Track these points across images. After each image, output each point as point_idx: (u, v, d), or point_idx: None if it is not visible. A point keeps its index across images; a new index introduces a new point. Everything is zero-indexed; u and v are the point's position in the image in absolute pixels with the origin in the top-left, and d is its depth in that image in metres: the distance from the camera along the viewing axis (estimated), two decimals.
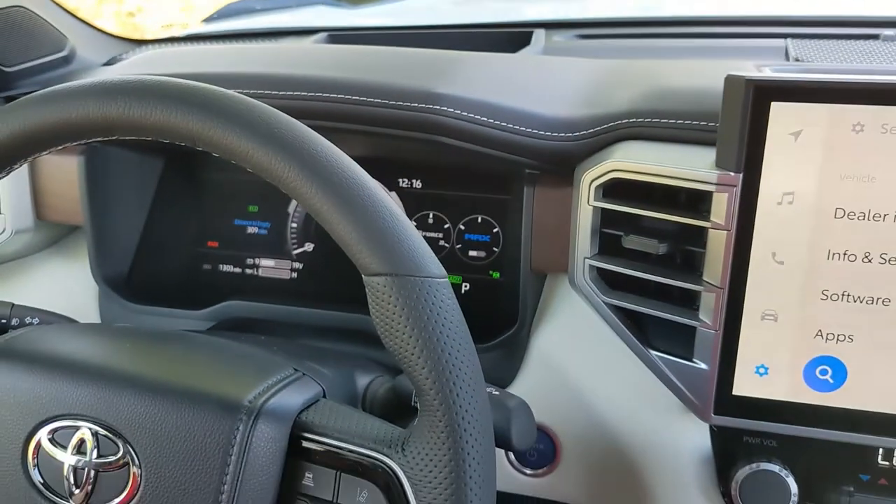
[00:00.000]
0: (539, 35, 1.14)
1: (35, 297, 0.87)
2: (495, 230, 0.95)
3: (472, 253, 0.95)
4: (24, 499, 0.57)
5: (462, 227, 0.95)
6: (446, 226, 0.96)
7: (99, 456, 0.56)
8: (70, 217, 0.96)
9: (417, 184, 0.96)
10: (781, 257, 0.66)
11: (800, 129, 0.64)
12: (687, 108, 0.73)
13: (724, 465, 0.74)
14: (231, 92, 0.54)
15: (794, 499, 0.70)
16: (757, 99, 0.64)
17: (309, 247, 1.01)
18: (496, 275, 0.95)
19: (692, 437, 0.76)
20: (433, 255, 0.52)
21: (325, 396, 0.61)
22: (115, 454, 0.55)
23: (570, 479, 0.83)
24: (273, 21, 1.53)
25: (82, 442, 0.56)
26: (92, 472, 0.56)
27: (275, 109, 0.53)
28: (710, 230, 0.68)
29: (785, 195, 0.65)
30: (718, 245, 0.67)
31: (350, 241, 0.50)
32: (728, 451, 0.74)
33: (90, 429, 0.56)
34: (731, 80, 0.65)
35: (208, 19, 1.59)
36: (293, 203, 1.01)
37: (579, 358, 0.82)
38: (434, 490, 0.51)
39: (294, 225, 1.01)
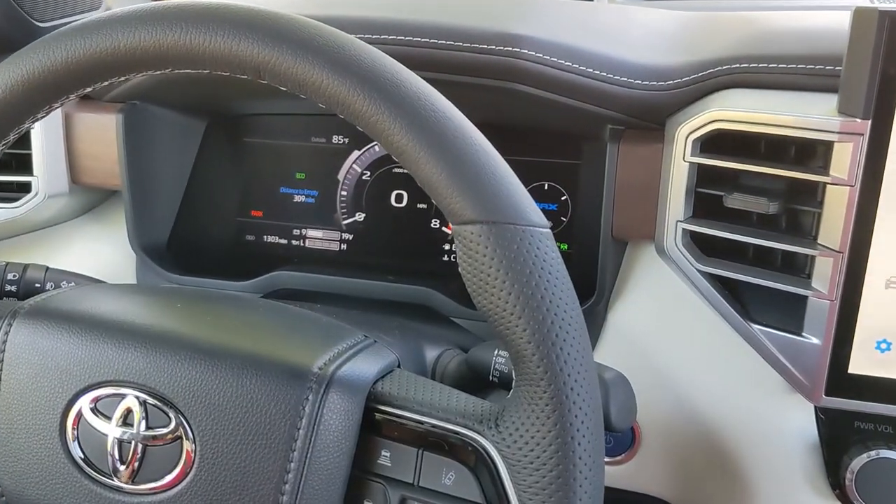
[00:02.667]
0: None
1: (69, 267, 0.81)
2: (563, 198, 0.87)
3: None
4: (62, 475, 0.51)
5: None
6: None
7: (147, 428, 0.49)
8: (107, 180, 0.89)
9: None
10: None
11: None
12: (799, 50, 0.65)
13: (834, 454, 0.66)
14: (299, 16, 0.46)
15: None
16: (892, 33, 0.56)
17: (360, 217, 0.94)
18: (564, 246, 0.88)
19: (795, 420, 0.68)
20: (533, 202, 0.45)
21: (399, 366, 0.54)
22: (165, 426, 0.49)
23: (651, 469, 0.76)
24: None
25: (129, 412, 0.49)
26: (139, 447, 0.49)
27: (350, 35, 0.46)
28: (828, 186, 0.60)
29: None
30: (839, 203, 0.60)
31: (438, 183, 0.43)
32: (838, 438, 0.66)
33: (138, 397, 0.49)
34: (861, 12, 0.57)
35: None
36: (343, 169, 0.94)
37: (663, 334, 0.75)
38: (536, 472, 0.43)
39: (344, 193, 0.94)
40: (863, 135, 0.58)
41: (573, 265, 0.86)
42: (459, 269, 0.44)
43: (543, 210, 0.87)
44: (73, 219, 0.96)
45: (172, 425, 0.48)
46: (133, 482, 0.49)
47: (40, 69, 0.49)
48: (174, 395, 0.49)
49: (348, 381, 0.48)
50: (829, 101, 0.61)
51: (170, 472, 0.49)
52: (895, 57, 0.56)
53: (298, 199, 0.96)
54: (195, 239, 0.96)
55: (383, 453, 0.49)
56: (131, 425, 0.49)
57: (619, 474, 0.77)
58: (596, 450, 0.44)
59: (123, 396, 0.50)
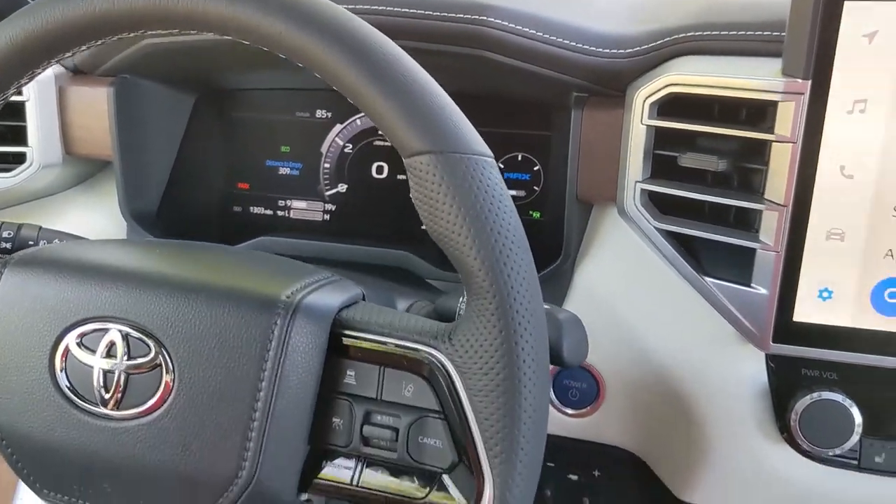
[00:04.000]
0: None
1: None
2: (536, 168, 0.91)
3: (512, 192, 0.91)
4: (52, 407, 0.54)
5: (501, 166, 0.92)
6: None
7: (129, 358, 0.53)
8: (99, 150, 0.93)
9: None
10: (851, 171, 0.63)
11: (875, 29, 0.60)
12: (749, 18, 0.69)
13: (782, 398, 0.70)
14: None
15: (858, 429, 0.66)
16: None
17: (342, 188, 0.98)
18: (537, 215, 0.92)
19: (747, 369, 0.72)
20: (476, 133, 0.49)
21: (364, 300, 0.58)
22: (146, 356, 0.52)
23: (615, 420, 0.79)
24: None
25: (112, 345, 0.53)
26: (123, 376, 0.53)
27: None
28: (773, 144, 0.64)
29: (856, 103, 0.61)
30: (783, 160, 0.64)
31: (389, 118, 0.47)
32: (786, 384, 0.70)
33: (120, 331, 0.53)
34: None
35: None
36: (326, 142, 0.97)
37: (625, 291, 0.78)
38: (485, 377, 0.47)
39: (327, 165, 0.98)
40: (803, 94, 0.62)
41: (545, 231, 0.91)
42: (412, 198, 0.48)
43: (517, 180, 0.92)
44: (67, 189, 0.99)
45: (152, 354, 0.52)
46: (118, 409, 0.53)
47: (22, 36, 0.52)
48: (153, 326, 0.52)
49: (314, 308, 0.52)
50: (775, 65, 0.64)
51: (151, 397, 0.52)
52: (831, 21, 0.60)
53: (283, 171, 1.00)
54: (184, 209, 0.99)
55: (348, 373, 0.53)
56: (115, 357, 0.53)
57: (584, 426, 0.81)
58: (539, 354, 0.48)
59: (107, 331, 0.53)
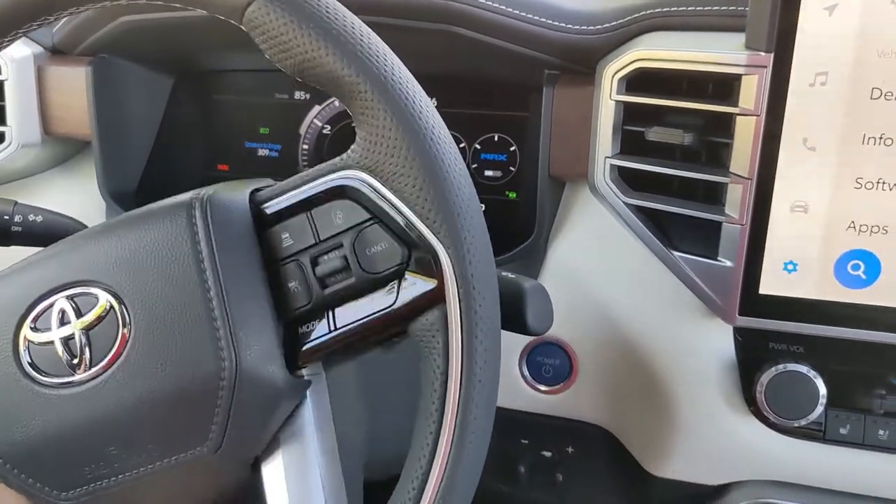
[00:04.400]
0: None
1: None
2: (512, 149, 0.92)
3: (489, 173, 0.92)
4: (33, 401, 0.53)
5: (478, 147, 0.92)
6: (462, 145, 0.93)
7: (82, 316, 0.53)
8: (77, 130, 0.93)
9: (433, 101, 0.93)
10: (813, 143, 0.63)
11: (835, 2, 0.60)
12: None
13: (749, 370, 0.71)
14: None
15: (823, 401, 0.67)
16: None
17: None
18: (512, 195, 0.92)
19: (715, 342, 0.72)
20: None
21: None
22: (95, 306, 0.52)
23: (588, 396, 0.80)
24: None
25: (63, 313, 0.53)
26: (82, 336, 0.53)
27: None
28: (737, 117, 0.65)
29: (818, 75, 0.62)
30: (746, 132, 0.64)
31: None
32: (753, 357, 0.71)
33: (65, 296, 0.53)
34: None
35: None
36: (305, 124, 0.98)
37: (597, 268, 0.79)
38: (392, 159, 0.48)
39: (306, 147, 0.99)
40: (766, 67, 0.62)
41: (520, 211, 0.91)
42: (267, 55, 0.49)
43: (494, 161, 0.92)
44: (46, 170, 0.99)
45: (101, 301, 0.52)
46: (91, 366, 0.52)
47: None
48: (89, 274, 0.52)
49: (226, 196, 0.53)
50: (739, 39, 0.65)
51: (115, 341, 0.52)
52: None
53: (262, 152, 1.01)
54: (163, 190, 0.98)
55: (283, 236, 0.53)
56: (69, 322, 0.53)
57: (558, 403, 0.81)
58: (427, 114, 0.49)
59: (53, 304, 0.53)
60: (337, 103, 0.97)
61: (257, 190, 0.55)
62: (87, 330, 0.52)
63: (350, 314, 0.52)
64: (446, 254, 0.48)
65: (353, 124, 0.50)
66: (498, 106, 0.91)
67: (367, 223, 0.51)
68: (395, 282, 0.51)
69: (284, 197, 0.53)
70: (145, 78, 0.97)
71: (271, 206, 0.53)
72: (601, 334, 0.78)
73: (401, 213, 0.49)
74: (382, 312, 0.52)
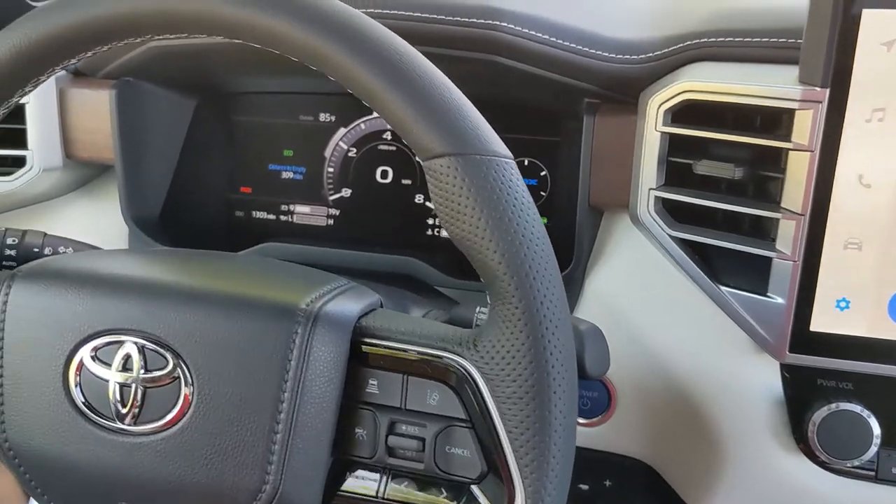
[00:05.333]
0: None
1: None
2: (543, 174, 0.91)
3: None
4: (65, 421, 0.53)
5: None
6: None
7: (146, 371, 0.52)
8: (100, 154, 0.92)
9: None
10: (869, 180, 0.62)
11: (893, 38, 0.59)
12: (765, 25, 0.69)
13: (798, 409, 0.69)
14: None
15: (877, 441, 0.66)
16: (847, 5, 0.59)
17: (346, 192, 0.97)
18: (544, 220, 0.91)
19: (761, 378, 0.71)
20: (496, 134, 0.48)
21: (381, 306, 0.57)
22: (163, 368, 0.51)
23: (627, 429, 0.79)
24: None
25: (128, 357, 0.52)
26: (139, 389, 0.52)
27: None
28: (790, 152, 0.64)
29: (875, 111, 0.61)
30: (800, 168, 0.63)
31: (407, 121, 0.46)
32: (801, 394, 0.70)
33: (135, 343, 0.52)
34: None
35: None
36: (330, 146, 0.97)
37: (637, 299, 0.78)
38: (513, 383, 0.47)
39: (331, 170, 0.97)
40: (821, 102, 0.61)
41: (552, 237, 0.90)
42: (432, 202, 0.47)
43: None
44: (67, 193, 0.98)
45: (170, 367, 0.51)
46: (136, 423, 0.52)
47: (26, 42, 0.51)
48: (170, 337, 0.51)
49: (334, 317, 0.51)
50: (791, 72, 0.64)
51: (170, 411, 0.51)
52: (849, 29, 0.60)
53: (286, 175, 0.99)
54: (186, 213, 0.99)
55: (371, 382, 0.52)
56: (131, 370, 0.52)
57: (595, 436, 0.80)
58: (568, 359, 0.47)
59: (122, 343, 0.52)
60: (363, 126, 0.95)
61: (366, 313, 0.54)
62: (146, 386, 0.51)
63: (402, 494, 0.53)
64: (524, 500, 0.48)
65: (481, 313, 0.49)
66: (529, 130, 0.91)
67: (460, 424, 0.50)
68: (462, 493, 0.52)
69: (388, 344, 0.52)
70: (169, 100, 0.95)
71: (371, 346, 0.52)
72: (641, 367, 0.77)
73: (499, 440, 0.48)
74: None
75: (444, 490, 0.52)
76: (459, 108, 0.46)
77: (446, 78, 0.48)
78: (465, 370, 0.49)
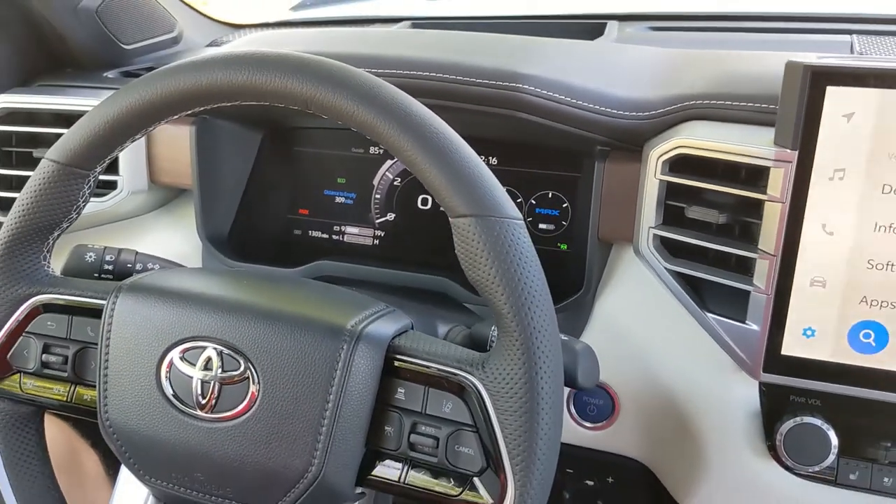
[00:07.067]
0: (612, 26, 1.22)
1: (147, 252, 0.97)
2: (564, 205, 1.02)
3: (542, 226, 1.03)
4: (156, 407, 0.66)
5: (533, 202, 1.03)
6: (518, 200, 1.03)
7: (223, 371, 0.64)
8: (180, 180, 1.06)
9: (493, 160, 1.04)
10: (831, 229, 0.73)
11: (852, 111, 0.70)
12: (750, 91, 0.80)
13: (771, 420, 0.80)
14: (337, 62, 0.62)
15: (835, 450, 0.76)
16: (814, 83, 0.70)
17: (391, 216, 1.10)
18: (564, 246, 1.03)
19: (742, 394, 0.82)
20: (510, 199, 0.60)
21: (413, 328, 0.69)
22: (236, 370, 0.64)
23: (627, 433, 0.90)
24: (358, 10, 1.62)
25: (209, 360, 0.65)
26: (217, 386, 0.64)
27: (374, 76, 0.62)
28: (766, 202, 0.74)
29: (836, 171, 0.71)
30: (773, 216, 0.74)
31: (440, 187, 0.59)
32: (775, 408, 0.80)
33: (215, 349, 0.65)
34: (790, 66, 0.72)
35: (296, 7, 1.69)
36: (378, 176, 1.09)
37: (639, 321, 0.89)
38: (510, 400, 0.59)
39: (378, 196, 1.10)
40: (791, 162, 0.72)
41: (570, 263, 1.02)
42: (456, 252, 0.59)
43: (547, 215, 1.03)
44: (149, 212, 1.12)
45: (241, 369, 0.64)
46: (212, 412, 0.65)
47: (141, 101, 0.65)
48: (243, 346, 0.64)
49: (373, 336, 0.63)
50: (769, 134, 0.74)
51: (239, 403, 0.64)
52: (815, 102, 0.70)
53: (339, 200, 1.12)
54: (252, 232, 1.12)
55: (399, 390, 0.64)
56: (211, 370, 0.64)
57: (600, 438, 0.92)
58: (555, 382, 0.59)
59: (205, 348, 0.65)
60: None
61: (399, 334, 0.66)
62: (222, 383, 0.64)
63: (419, 480, 0.64)
64: (513, 495, 0.59)
65: (495, 331, 0.62)
66: (553, 166, 1.02)
67: (467, 428, 0.62)
68: (466, 482, 0.63)
69: (415, 361, 0.64)
70: (239, 134, 1.09)
71: (401, 361, 0.64)
72: (641, 380, 0.88)
73: (496, 443, 0.60)
74: (443, 496, 0.63)
75: (452, 479, 0.63)
76: (481, 177, 0.59)
77: (472, 151, 0.60)
78: (475, 386, 0.61)
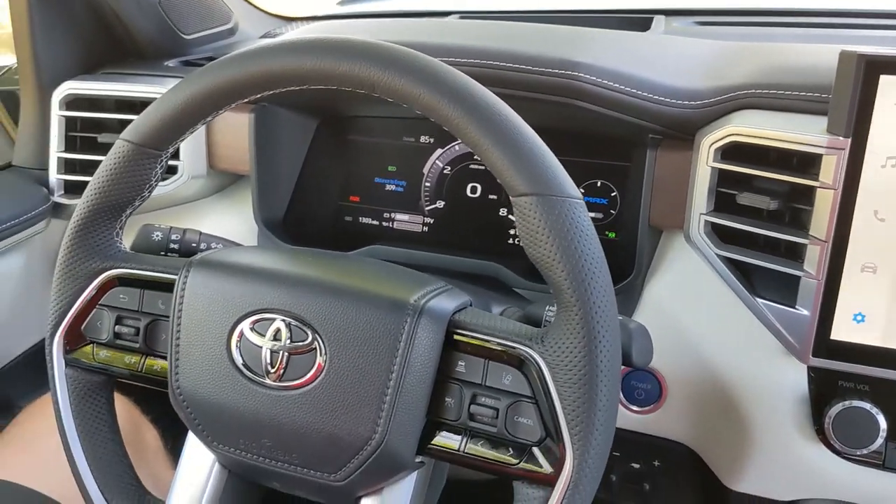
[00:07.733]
0: (659, 21, 1.23)
1: None
2: (613, 194, 1.04)
3: (591, 214, 1.04)
4: (227, 377, 0.69)
5: (583, 190, 1.05)
6: None
7: (291, 342, 0.67)
8: (237, 166, 1.09)
9: None
10: (883, 215, 0.74)
11: None
12: (802, 81, 0.81)
13: (819, 405, 0.81)
14: (401, 47, 0.64)
15: (883, 434, 0.78)
16: (868, 72, 0.72)
17: (440, 204, 1.12)
18: (612, 234, 1.05)
19: (790, 378, 0.83)
20: (571, 180, 0.62)
21: (471, 305, 0.71)
22: (304, 341, 0.66)
23: (674, 417, 0.92)
24: (404, 3, 1.65)
25: (278, 331, 0.67)
26: (285, 356, 0.67)
27: (437, 60, 0.64)
28: (818, 189, 0.76)
29: (889, 158, 0.73)
30: (825, 202, 0.75)
31: (502, 167, 0.60)
32: (823, 393, 0.82)
33: (284, 320, 0.67)
34: (844, 55, 0.73)
35: (343, 2, 1.72)
36: (428, 164, 1.12)
37: (688, 306, 0.91)
38: (569, 372, 0.60)
39: (428, 184, 1.12)
40: (844, 150, 0.74)
41: (619, 249, 1.04)
42: (516, 230, 0.61)
43: (596, 203, 1.05)
44: (208, 196, 1.16)
45: (309, 339, 0.66)
46: (280, 381, 0.67)
47: (213, 85, 0.68)
48: (311, 318, 0.66)
49: (434, 311, 0.65)
50: (821, 122, 0.76)
51: (307, 373, 0.66)
52: (868, 91, 0.72)
53: (389, 187, 1.15)
54: (305, 217, 1.15)
55: (459, 363, 0.66)
56: (279, 340, 0.67)
57: (647, 422, 0.94)
58: (614, 356, 0.61)
59: (274, 320, 0.67)
60: (457, 147, 1.10)
61: (459, 310, 0.68)
62: (290, 353, 0.67)
63: (479, 450, 0.66)
64: (571, 464, 0.61)
65: (550, 311, 0.63)
66: (603, 156, 1.04)
67: (526, 399, 0.64)
68: (525, 452, 0.64)
69: (475, 335, 0.65)
70: (295, 121, 1.12)
71: (461, 335, 0.66)
72: (689, 365, 0.90)
73: (555, 414, 0.62)
74: (502, 465, 0.65)
75: (511, 449, 0.64)
76: (543, 157, 0.60)
77: (532, 131, 0.62)
78: (533, 359, 0.63)
